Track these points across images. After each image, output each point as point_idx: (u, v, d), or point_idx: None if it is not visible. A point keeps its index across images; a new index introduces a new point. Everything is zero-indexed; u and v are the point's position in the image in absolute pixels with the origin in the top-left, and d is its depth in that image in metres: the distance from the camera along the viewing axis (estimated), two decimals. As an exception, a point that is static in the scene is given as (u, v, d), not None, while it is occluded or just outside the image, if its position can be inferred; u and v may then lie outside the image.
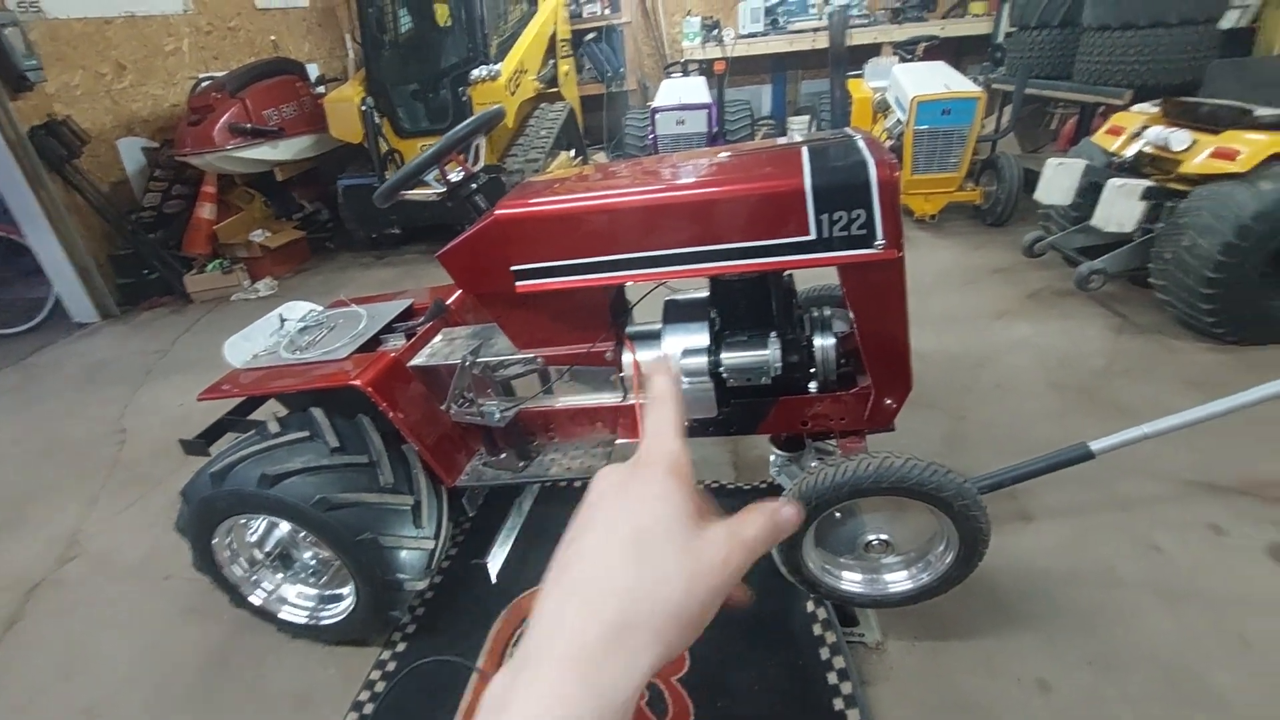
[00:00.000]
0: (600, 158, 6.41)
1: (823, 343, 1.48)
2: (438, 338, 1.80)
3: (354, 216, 4.74)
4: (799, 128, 6.20)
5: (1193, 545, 1.85)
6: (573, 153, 5.27)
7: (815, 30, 6.01)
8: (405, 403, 1.61)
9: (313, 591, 1.78)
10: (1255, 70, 3.59)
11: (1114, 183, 2.73)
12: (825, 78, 5.66)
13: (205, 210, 4.64)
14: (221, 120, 4.29)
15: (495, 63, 4.32)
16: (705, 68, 5.86)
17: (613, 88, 6.55)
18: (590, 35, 6.47)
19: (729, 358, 1.45)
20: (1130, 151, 2.83)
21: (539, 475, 1.65)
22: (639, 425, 1.56)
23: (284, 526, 1.78)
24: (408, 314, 1.96)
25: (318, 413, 1.60)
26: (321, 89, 5.08)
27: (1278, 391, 1.50)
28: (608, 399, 1.65)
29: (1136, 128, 2.85)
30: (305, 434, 1.57)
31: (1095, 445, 1.60)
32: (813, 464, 1.54)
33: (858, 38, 5.97)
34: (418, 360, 1.69)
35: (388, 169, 4.40)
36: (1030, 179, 3.51)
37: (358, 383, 1.52)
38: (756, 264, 1.30)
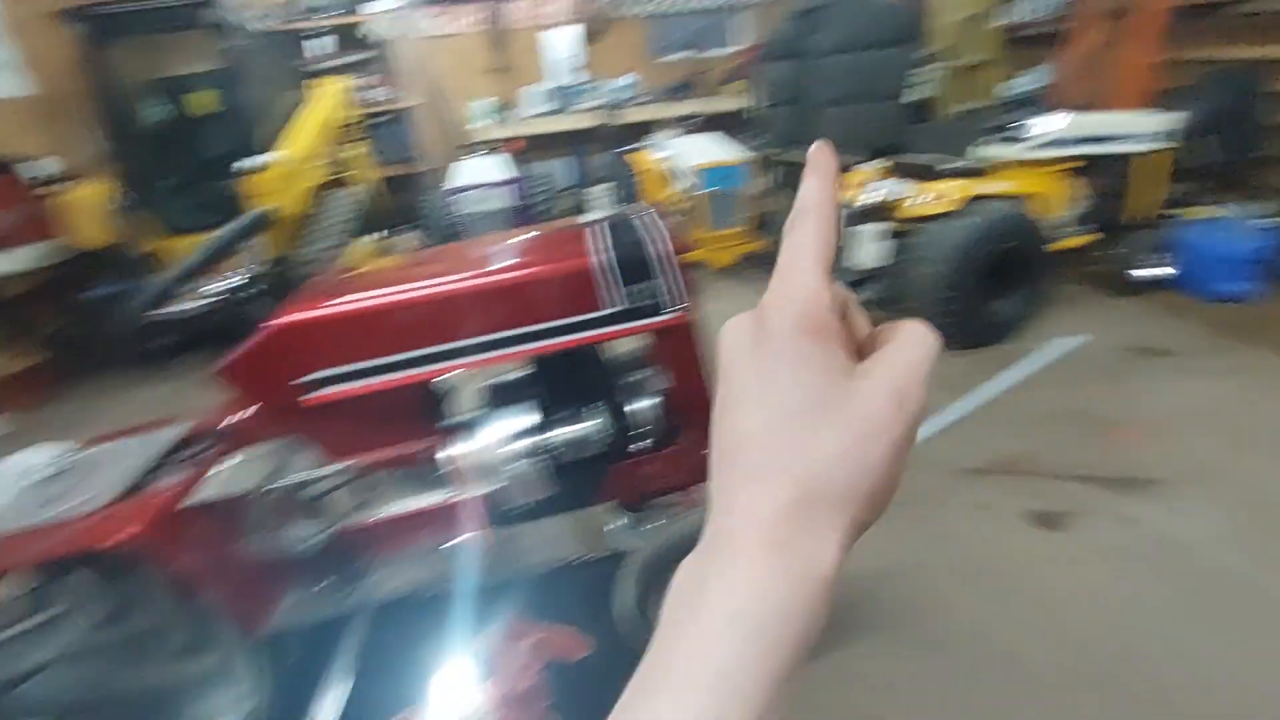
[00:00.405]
0: (410, 239, 6.23)
1: (646, 404, 1.54)
2: (228, 462, 1.58)
3: (109, 332, 4.07)
4: (600, 197, 6.57)
5: (973, 524, 2.17)
6: (374, 237, 5.06)
7: (598, 109, 6.48)
8: (191, 548, 1.38)
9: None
10: (941, 131, 4.53)
11: (859, 227, 3.24)
12: (617, 149, 6.09)
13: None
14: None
15: (272, 151, 4.06)
16: (500, 146, 6.02)
17: (410, 169, 6.47)
18: (379, 118, 6.37)
19: (558, 434, 1.45)
20: (869, 200, 3.39)
21: (368, 600, 1.49)
22: (473, 520, 1.49)
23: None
24: (187, 441, 1.70)
25: (77, 580, 1.31)
26: (57, 188, 4.37)
27: (1008, 386, 1.84)
28: (434, 499, 1.56)
29: (870, 181, 3.42)
30: (63, 608, 1.27)
31: (884, 456, 1.82)
32: (650, 526, 1.57)
33: (640, 114, 6.54)
34: (203, 494, 1.47)
35: (147, 273, 3.86)
36: (801, 229, 4.03)
37: (124, 536, 1.27)
38: (563, 342, 1.33)
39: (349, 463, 1.48)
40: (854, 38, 4.37)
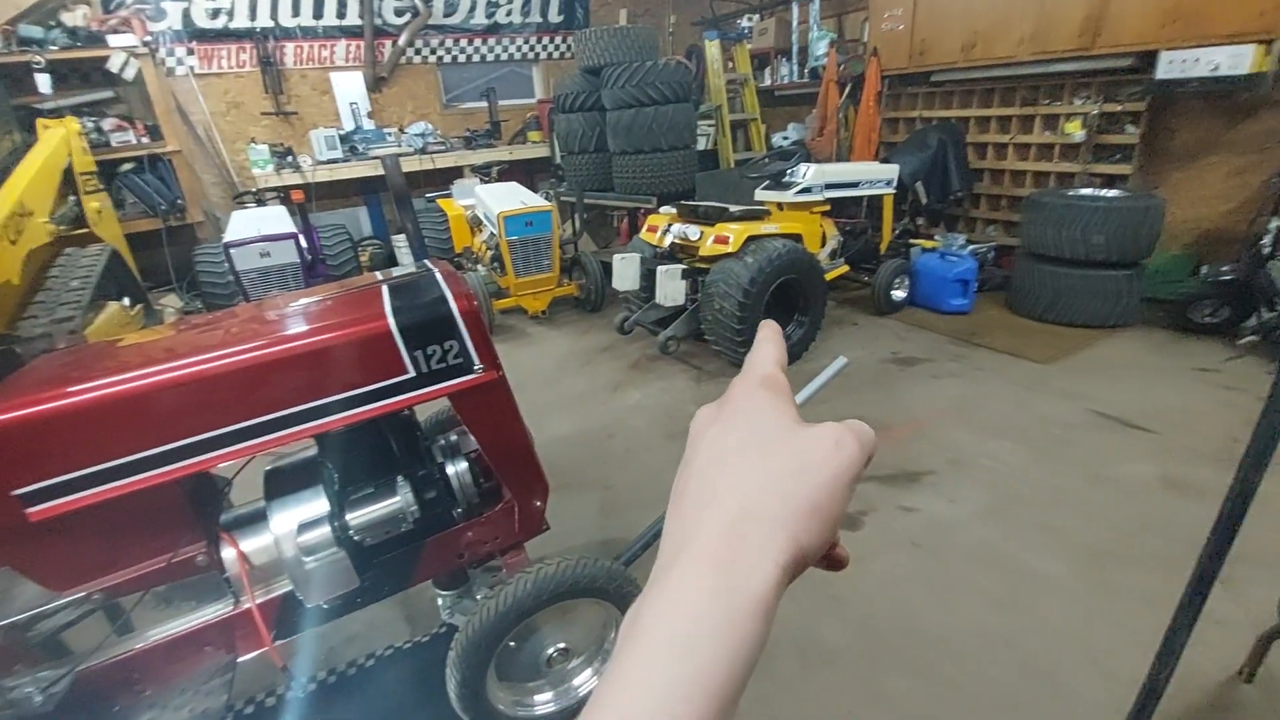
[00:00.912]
0: (171, 300, 5.39)
1: (456, 469, 1.46)
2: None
3: None
4: (405, 246, 6.27)
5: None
6: (127, 301, 4.30)
7: (393, 156, 6.23)
8: None
9: None
10: (722, 179, 5.04)
11: (661, 269, 3.45)
12: (421, 196, 5.88)
13: None
14: None
15: (-30, 207, 3.29)
16: (284, 195, 5.50)
17: (171, 222, 5.62)
18: (127, 165, 5.48)
19: (357, 517, 1.32)
20: (666, 243, 3.63)
21: (129, 753, 1.22)
22: (262, 632, 1.29)
23: None
24: None
25: None
26: None
27: (799, 404, 2.05)
28: (215, 612, 1.33)
29: (665, 225, 3.67)
30: None
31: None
32: (479, 595, 1.49)
33: (439, 161, 6.40)
34: None
35: None
36: (609, 270, 4.19)
37: None
38: (362, 412, 1.22)
39: (91, 587, 1.21)
40: (639, 94, 4.71)
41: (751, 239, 3.38)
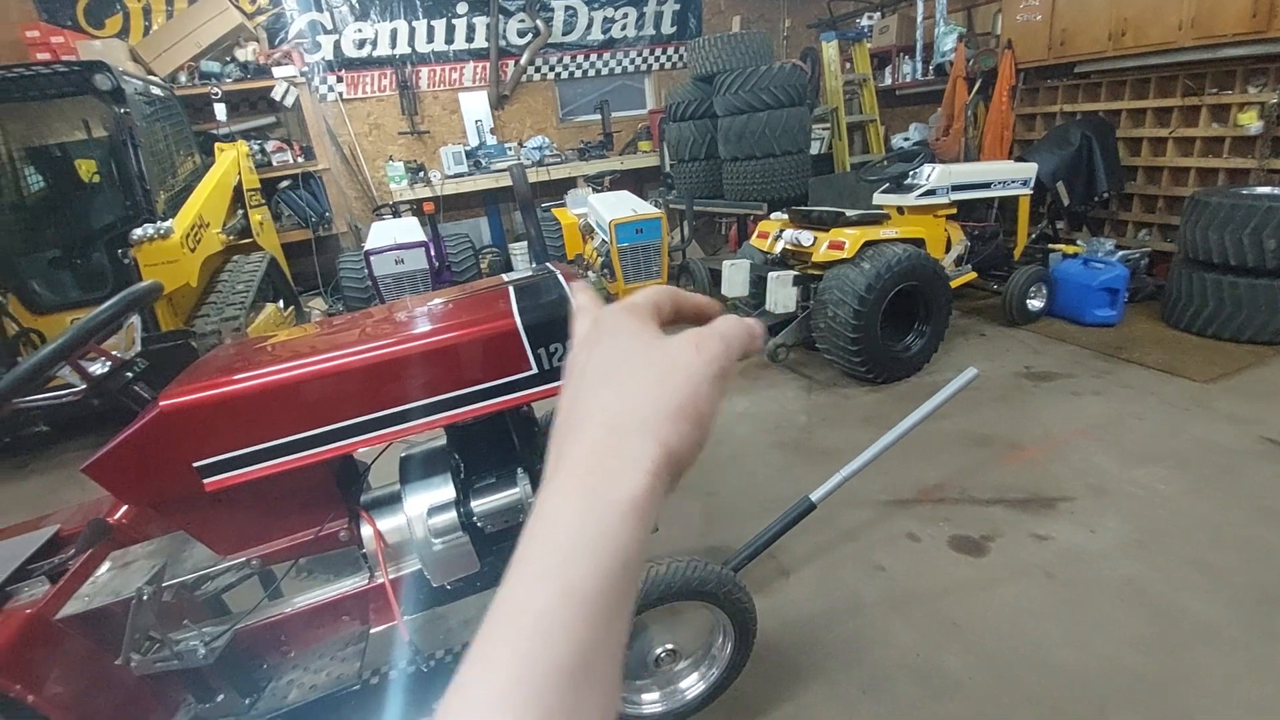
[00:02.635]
0: (318, 303, 5.97)
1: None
2: (103, 566, 1.40)
3: (-31, 423, 3.63)
4: (520, 253, 6.57)
5: (902, 556, 2.22)
6: (281, 303, 4.83)
7: (512, 169, 6.55)
8: (57, 674, 1.20)
9: None
10: (837, 183, 4.87)
11: (772, 275, 3.38)
12: (537, 205, 6.14)
13: None
14: None
15: (165, 219, 3.82)
16: (416, 207, 5.95)
17: (320, 232, 6.26)
18: (285, 183, 6.17)
19: (480, 504, 1.38)
20: (777, 250, 3.55)
21: (276, 708, 1.34)
22: (394, 606, 1.38)
23: None
24: (53, 546, 1.50)
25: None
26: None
27: (919, 420, 1.92)
28: (352, 584, 1.44)
29: (776, 231, 3.60)
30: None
31: (814, 496, 1.85)
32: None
33: (554, 173, 6.66)
34: (72, 607, 1.29)
35: (20, 354, 3.50)
36: (717, 277, 4.17)
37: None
38: (488, 405, 1.28)
39: (250, 554, 1.35)
40: (752, 99, 4.67)
41: (869, 244, 3.23)
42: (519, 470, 1.42)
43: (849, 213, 3.36)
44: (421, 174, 6.43)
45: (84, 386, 1.29)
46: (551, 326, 1.27)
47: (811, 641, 1.90)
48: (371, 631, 1.44)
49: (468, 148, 6.68)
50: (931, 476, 2.63)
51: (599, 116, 7.16)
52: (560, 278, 1.40)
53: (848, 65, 6.09)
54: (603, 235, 4.46)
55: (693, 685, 1.50)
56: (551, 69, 7.15)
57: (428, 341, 1.25)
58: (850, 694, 1.73)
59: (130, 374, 1.33)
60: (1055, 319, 4.07)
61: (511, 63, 6.93)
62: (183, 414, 1.14)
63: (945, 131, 5.51)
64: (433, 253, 4.61)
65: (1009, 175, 3.91)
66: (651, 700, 1.49)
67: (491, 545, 1.44)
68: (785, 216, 3.67)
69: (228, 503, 1.25)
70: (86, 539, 1.44)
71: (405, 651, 1.68)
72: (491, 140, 6.92)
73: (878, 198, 3.84)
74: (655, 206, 4.64)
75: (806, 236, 3.36)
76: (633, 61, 7.45)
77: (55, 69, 3.72)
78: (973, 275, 3.92)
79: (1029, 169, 3.98)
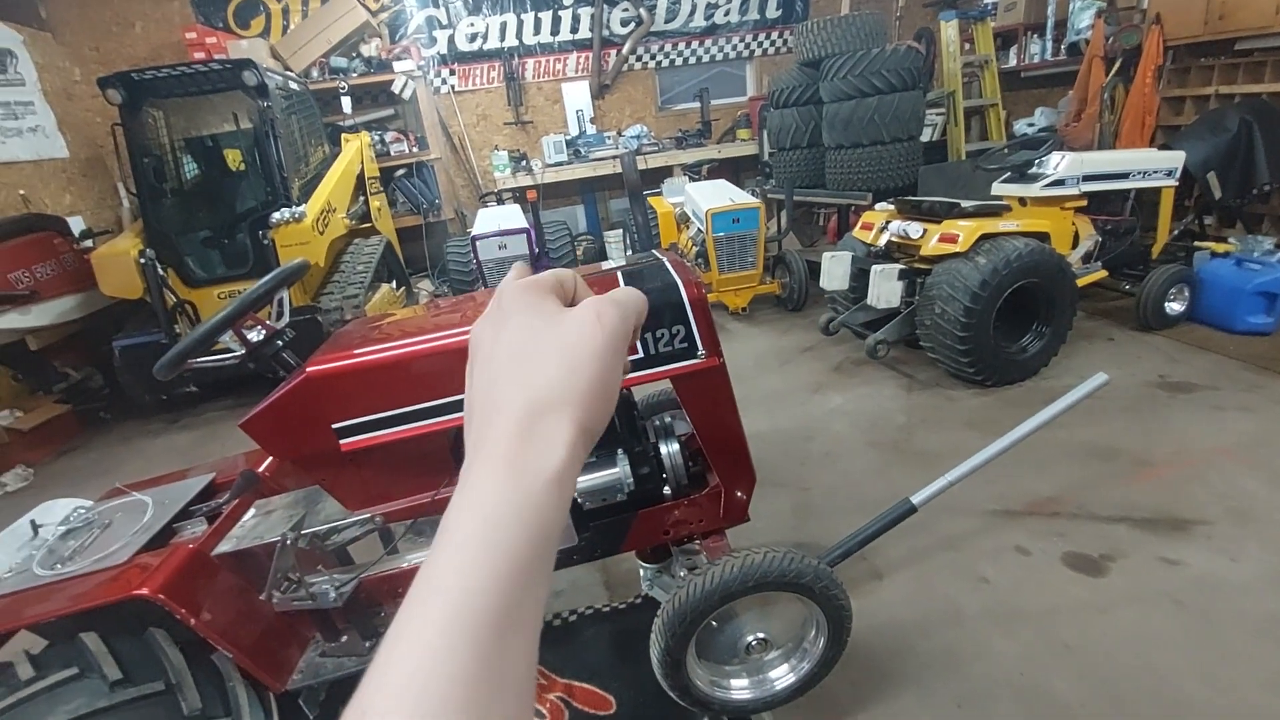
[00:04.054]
0: (425, 285, 6.33)
1: (669, 449, 1.52)
2: (250, 513, 1.58)
3: (135, 380, 4.13)
4: (615, 241, 6.67)
5: (1008, 569, 2.10)
6: (394, 284, 5.17)
7: (613, 158, 6.65)
8: (212, 602, 1.36)
9: None
10: (951, 172, 4.60)
11: (876, 268, 3.25)
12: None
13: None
14: (-53, 292, 3.61)
15: (299, 204, 4.18)
16: (518, 195, 6.17)
17: (430, 218, 6.62)
18: (400, 171, 6.56)
19: (582, 481, 1.44)
20: (881, 242, 3.41)
21: (391, 651, 1.46)
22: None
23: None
24: (209, 492, 1.70)
25: (89, 639, 1.29)
26: (90, 243, 4.53)
27: (1036, 427, 1.81)
28: (460, 547, 1.54)
29: (881, 223, 3.45)
30: (73, 671, 1.25)
31: (916, 499, 1.77)
32: (681, 573, 1.54)
33: (651, 161, 6.69)
34: (225, 546, 1.46)
35: (177, 322, 3.96)
36: (813, 269, 4.06)
37: (143, 591, 1.26)
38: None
39: (374, 510, 1.47)
40: (862, 84, 4.48)
41: (985, 237, 3.04)
42: (619, 451, 1.46)
43: (965, 203, 3.17)
44: (524, 163, 6.65)
45: (243, 351, 1.45)
46: (660, 312, 1.30)
47: (905, 648, 1.84)
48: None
49: (568, 137, 6.84)
50: (1045, 488, 2.46)
51: (698, 104, 7.11)
52: (669, 265, 1.42)
53: (968, 46, 5.71)
54: (698, 224, 4.45)
55: (783, 676, 1.50)
56: (653, 57, 7.16)
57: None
58: (945, 706, 1.66)
59: (280, 342, 1.48)
60: (1197, 325, 3.66)
61: (613, 52, 7.00)
62: (326, 380, 1.26)
63: (1076, 117, 5.06)
64: (533, 239, 4.77)
65: (1151, 165, 3.55)
66: (740, 686, 1.50)
67: (589, 521, 1.50)
68: (892, 207, 3.51)
69: (359, 463, 1.37)
70: (238, 487, 1.62)
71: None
72: (591, 129, 7.04)
73: (997, 188, 3.59)
74: (752, 196, 4.57)
75: (915, 228, 3.20)
76: (735, 48, 7.33)
77: (211, 66, 4.15)
78: (1103, 274, 3.59)
79: (1175, 158, 3.59)
